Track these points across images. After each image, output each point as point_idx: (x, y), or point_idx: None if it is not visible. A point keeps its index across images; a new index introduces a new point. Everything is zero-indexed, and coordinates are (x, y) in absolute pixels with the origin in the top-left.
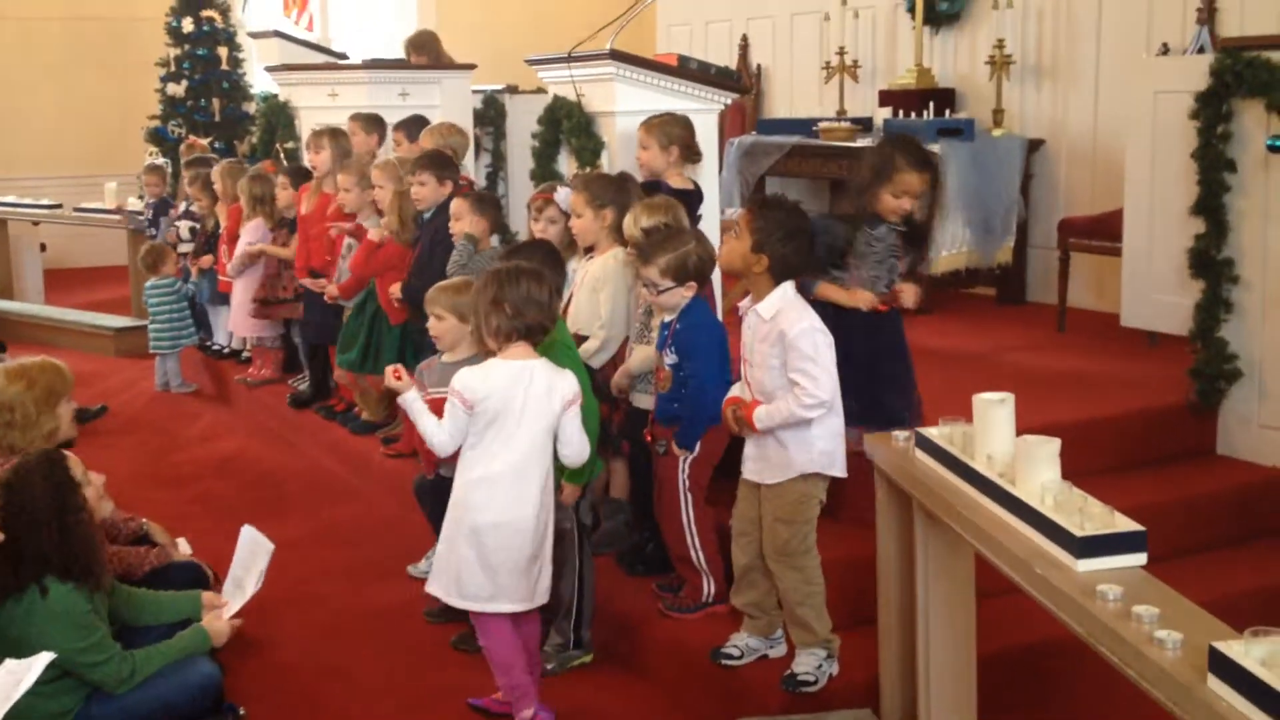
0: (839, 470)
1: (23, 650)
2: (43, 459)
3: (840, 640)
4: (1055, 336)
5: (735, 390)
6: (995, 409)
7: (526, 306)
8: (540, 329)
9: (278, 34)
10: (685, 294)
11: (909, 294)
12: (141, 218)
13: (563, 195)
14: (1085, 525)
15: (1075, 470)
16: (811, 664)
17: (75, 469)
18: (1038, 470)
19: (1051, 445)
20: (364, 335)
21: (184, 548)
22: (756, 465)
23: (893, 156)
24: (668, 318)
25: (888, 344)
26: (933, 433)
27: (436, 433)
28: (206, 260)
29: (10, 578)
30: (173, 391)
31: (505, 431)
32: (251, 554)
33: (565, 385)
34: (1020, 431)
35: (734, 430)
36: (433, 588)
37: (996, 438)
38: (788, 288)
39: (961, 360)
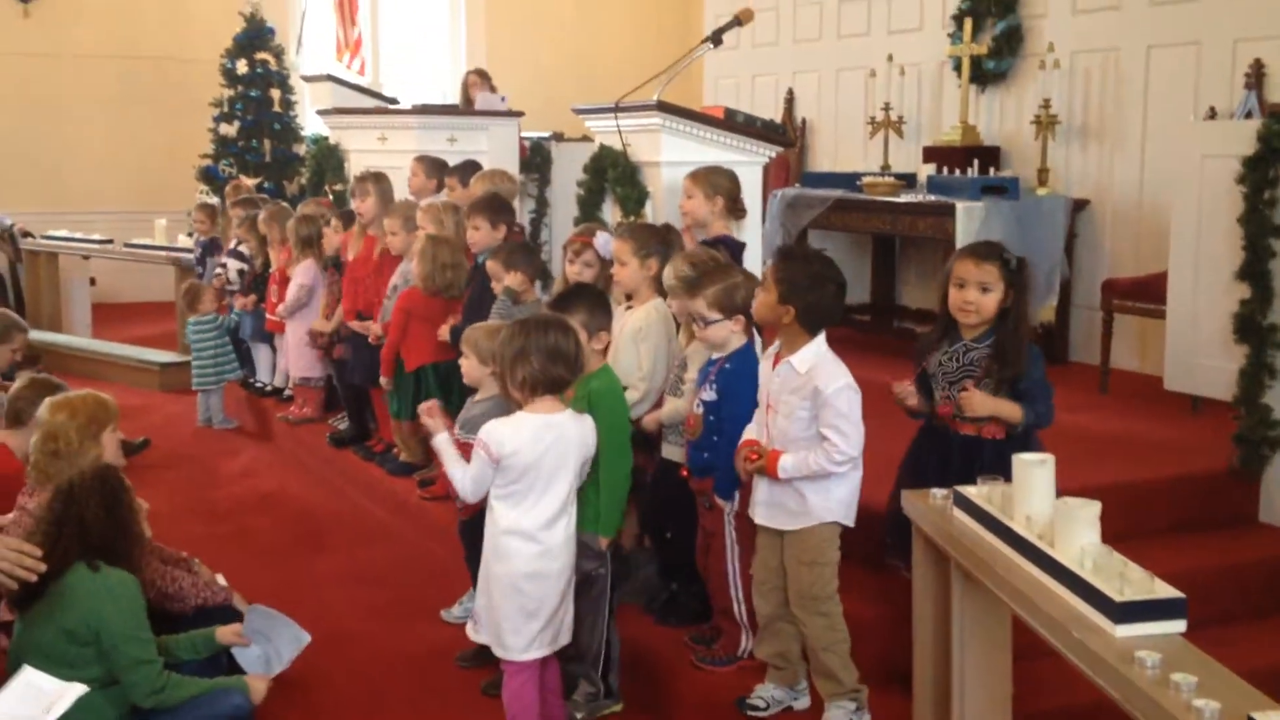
0: (850, 520)
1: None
2: (97, 467)
3: (868, 690)
4: (1097, 398)
5: (750, 432)
6: (1035, 470)
7: (553, 359)
8: (565, 382)
9: (330, 78)
10: (733, 328)
11: (970, 400)
12: (190, 255)
13: (603, 241)
14: (1125, 590)
15: (1115, 534)
16: (841, 717)
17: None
18: (1078, 533)
19: (1092, 508)
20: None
21: (220, 583)
22: (769, 510)
23: (957, 251)
24: (715, 355)
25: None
26: (971, 491)
27: (461, 479)
28: (250, 300)
29: (58, 561)
30: (215, 428)
31: (537, 485)
32: (272, 627)
33: (594, 436)
34: (1060, 493)
35: (743, 473)
36: (479, 635)
37: (1036, 499)
38: (821, 341)
39: None
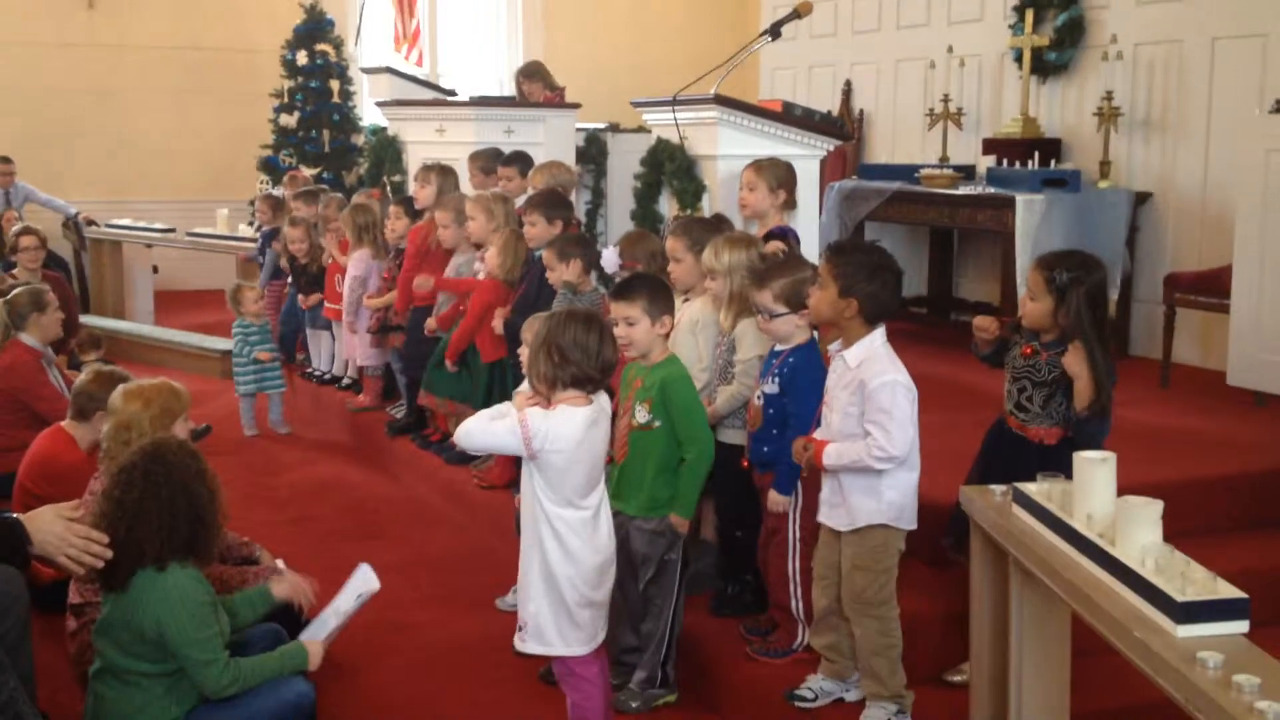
0: (908, 523)
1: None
2: (181, 442)
3: (914, 696)
4: (1159, 393)
5: (818, 432)
6: (1096, 468)
7: (572, 353)
8: (588, 379)
9: (389, 70)
10: (799, 322)
11: (1072, 355)
12: (253, 244)
13: (607, 256)
14: (1187, 590)
15: (1176, 531)
16: (880, 717)
17: None
18: (1139, 532)
19: (1154, 507)
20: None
21: (281, 568)
22: (827, 509)
23: None
24: (779, 347)
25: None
26: (1031, 489)
27: (485, 427)
28: (315, 298)
29: (139, 554)
30: (245, 435)
31: (592, 476)
32: (358, 590)
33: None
34: (1120, 489)
35: (800, 462)
36: (531, 646)
37: (1097, 497)
38: (878, 335)
39: None
